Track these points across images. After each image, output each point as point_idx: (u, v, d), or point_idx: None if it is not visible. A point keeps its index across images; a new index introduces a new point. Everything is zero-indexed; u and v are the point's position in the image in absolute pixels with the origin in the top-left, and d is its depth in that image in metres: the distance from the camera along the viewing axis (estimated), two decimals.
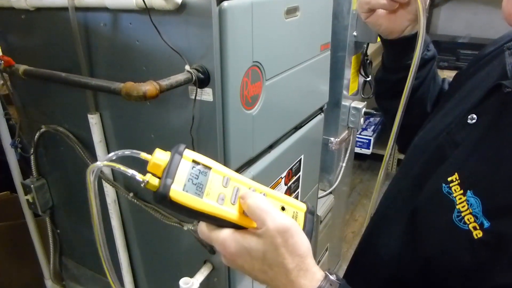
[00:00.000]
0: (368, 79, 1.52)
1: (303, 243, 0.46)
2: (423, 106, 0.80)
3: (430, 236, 0.54)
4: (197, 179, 0.46)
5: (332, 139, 1.49)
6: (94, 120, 0.91)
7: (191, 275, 0.89)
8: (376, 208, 0.74)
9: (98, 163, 0.45)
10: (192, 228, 0.89)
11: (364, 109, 1.49)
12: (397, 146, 0.86)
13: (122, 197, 1.01)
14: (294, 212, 0.51)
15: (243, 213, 0.47)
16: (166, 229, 0.94)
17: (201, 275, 0.90)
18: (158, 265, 1.07)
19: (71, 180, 1.13)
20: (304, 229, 0.49)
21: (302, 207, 0.52)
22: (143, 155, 0.45)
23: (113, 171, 0.99)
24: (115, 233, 1.04)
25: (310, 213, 0.52)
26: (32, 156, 1.14)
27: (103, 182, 0.98)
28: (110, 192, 0.99)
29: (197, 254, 0.93)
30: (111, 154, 0.45)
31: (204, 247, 0.90)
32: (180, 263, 1.00)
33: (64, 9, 0.81)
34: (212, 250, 0.90)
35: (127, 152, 0.45)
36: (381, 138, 2.71)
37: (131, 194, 0.95)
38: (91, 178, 0.45)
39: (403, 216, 0.61)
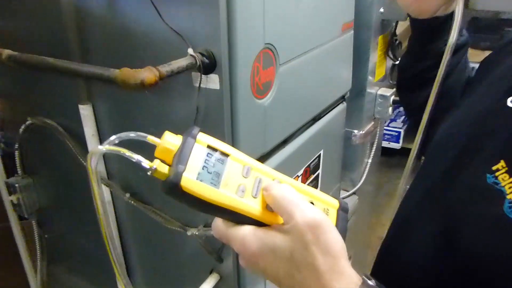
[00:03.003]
0: (397, 62, 1.51)
1: (337, 241, 0.45)
2: (452, 98, 0.80)
3: (474, 234, 0.54)
4: (213, 167, 0.45)
5: (355, 131, 1.49)
6: (86, 112, 0.93)
7: (196, 285, 0.90)
8: (397, 211, 0.74)
9: (99, 147, 0.44)
10: (197, 233, 0.90)
11: (392, 97, 1.48)
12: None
13: (118, 198, 1.02)
14: (324, 208, 0.50)
15: (266, 208, 0.47)
16: (168, 234, 0.95)
17: (207, 285, 0.91)
18: (159, 275, 1.08)
19: (61, 179, 1.15)
20: (336, 226, 0.49)
21: (334, 203, 0.52)
22: (151, 138, 0.45)
23: (107, 167, 1.00)
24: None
25: (344, 210, 0.51)
26: (17, 151, 1.15)
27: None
28: (104, 192, 1.00)
29: (202, 263, 0.94)
30: (114, 137, 0.44)
31: (210, 255, 0.91)
32: (183, 273, 1.02)
33: None
34: (219, 258, 0.91)
35: (132, 134, 0.45)
36: (413, 130, 2.69)
37: (128, 195, 0.97)
38: (92, 166, 0.45)
39: (433, 217, 0.61)
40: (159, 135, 0.90)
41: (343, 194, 1.58)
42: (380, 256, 0.76)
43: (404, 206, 0.73)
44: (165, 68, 0.68)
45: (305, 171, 1.07)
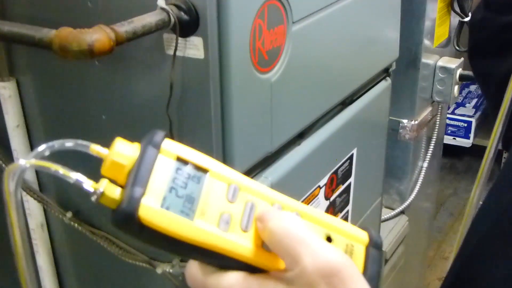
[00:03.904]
0: (466, 19, 1.51)
1: None
2: None
3: None
4: (185, 188, 0.46)
5: (405, 122, 1.49)
6: (6, 92, 0.93)
7: None
8: (465, 236, 0.74)
9: (21, 161, 0.45)
10: (171, 270, 0.90)
11: (460, 70, 1.48)
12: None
13: (55, 219, 1.03)
14: (347, 244, 0.51)
15: (261, 245, 0.48)
16: (129, 272, 0.95)
17: None
18: None
19: None
20: (365, 272, 0.49)
21: (362, 236, 0.52)
22: (95, 148, 0.46)
23: (39, 177, 1.00)
24: (44, 277, 1.06)
25: (375, 246, 0.52)
26: None
27: (24, 194, 0.99)
28: (35, 211, 1.01)
29: None
30: (42, 147, 0.45)
31: None
32: None
33: None
34: None
35: (68, 143, 0.45)
36: (490, 119, 2.70)
37: (69, 214, 0.97)
38: (10, 188, 0.46)
39: None
40: (114, 126, 0.90)
41: (387, 213, 1.58)
42: None
43: (475, 228, 0.74)
44: (124, 28, 0.68)
45: (331, 179, 1.08)
